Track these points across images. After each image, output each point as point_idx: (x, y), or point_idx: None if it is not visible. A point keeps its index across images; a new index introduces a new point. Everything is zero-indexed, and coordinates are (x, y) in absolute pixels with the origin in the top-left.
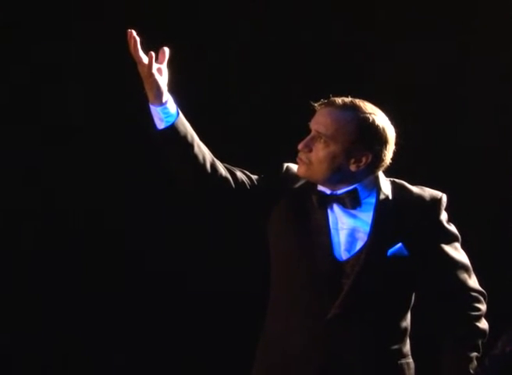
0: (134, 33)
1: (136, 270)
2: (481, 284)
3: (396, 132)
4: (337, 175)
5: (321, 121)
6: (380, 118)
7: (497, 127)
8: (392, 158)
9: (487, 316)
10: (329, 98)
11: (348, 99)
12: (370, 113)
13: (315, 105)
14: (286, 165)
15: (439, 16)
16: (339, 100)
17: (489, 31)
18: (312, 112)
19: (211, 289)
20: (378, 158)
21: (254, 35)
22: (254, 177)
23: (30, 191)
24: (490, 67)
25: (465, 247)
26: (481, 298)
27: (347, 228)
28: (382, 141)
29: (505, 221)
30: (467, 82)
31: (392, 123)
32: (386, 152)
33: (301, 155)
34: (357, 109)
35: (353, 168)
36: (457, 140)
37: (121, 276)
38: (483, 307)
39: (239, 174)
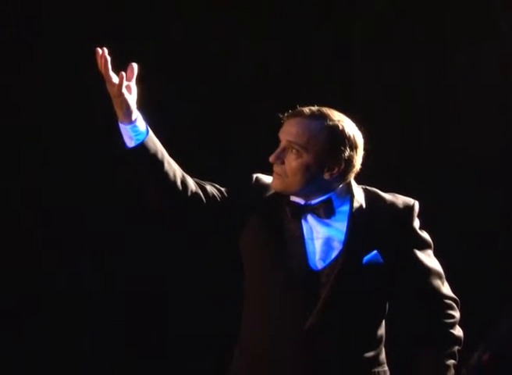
0: (106, 51)
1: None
2: (455, 292)
3: (364, 138)
4: (311, 185)
5: (291, 131)
6: (348, 125)
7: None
8: (361, 164)
9: (462, 324)
10: (296, 108)
11: (315, 108)
12: (339, 121)
13: (282, 116)
14: (255, 176)
15: None
16: (306, 109)
17: None
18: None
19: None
20: (350, 165)
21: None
22: (224, 190)
23: None
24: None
25: (448, 254)
26: (455, 305)
27: (322, 237)
28: (353, 147)
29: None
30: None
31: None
32: (357, 158)
33: (276, 169)
34: (325, 118)
35: (326, 176)
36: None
37: None
38: (457, 314)
39: (209, 188)
